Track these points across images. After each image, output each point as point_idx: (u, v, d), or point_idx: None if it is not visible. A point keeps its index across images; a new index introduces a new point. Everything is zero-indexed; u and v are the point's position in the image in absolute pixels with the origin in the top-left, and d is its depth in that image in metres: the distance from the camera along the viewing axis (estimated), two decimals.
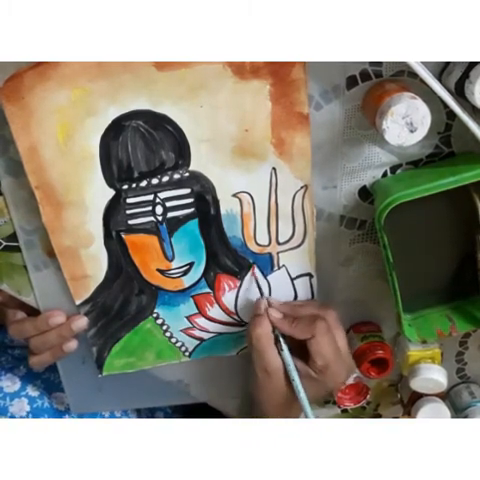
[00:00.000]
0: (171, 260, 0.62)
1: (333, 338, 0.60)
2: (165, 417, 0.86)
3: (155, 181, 0.58)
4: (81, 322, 0.64)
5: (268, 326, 0.60)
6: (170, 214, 0.59)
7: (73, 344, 0.64)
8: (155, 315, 0.65)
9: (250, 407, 0.65)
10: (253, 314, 0.62)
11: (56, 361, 0.67)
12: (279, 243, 0.62)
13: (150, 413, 0.85)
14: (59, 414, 0.72)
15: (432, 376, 0.66)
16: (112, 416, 0.77)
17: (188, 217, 0.60)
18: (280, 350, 0.60)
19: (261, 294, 0.64)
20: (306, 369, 0.60)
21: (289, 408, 0.62)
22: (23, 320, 0.65)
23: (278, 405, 0.62)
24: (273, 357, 0.60)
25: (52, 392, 0.73)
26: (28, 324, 0.64)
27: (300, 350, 0.60)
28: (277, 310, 0.62)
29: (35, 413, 0.70)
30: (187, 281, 0.63)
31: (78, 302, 0.64)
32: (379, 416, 0.80)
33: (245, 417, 0.68)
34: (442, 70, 0.54)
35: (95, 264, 0.61)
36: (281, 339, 0.60)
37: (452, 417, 0.72)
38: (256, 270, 0.64)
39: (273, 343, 0.60)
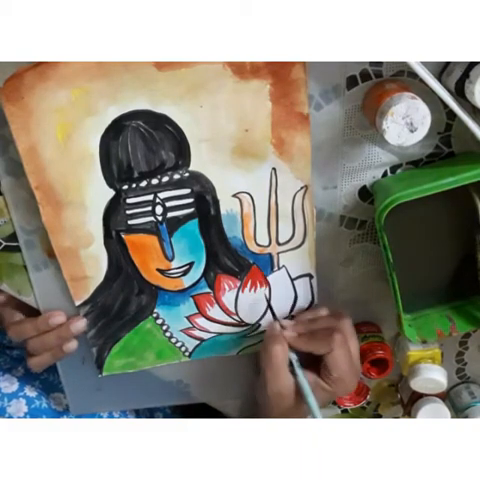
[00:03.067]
0: (171, 260, 0.62)
1: (349, 349, 0.60)
2: (165, 418, 0.86)
3: (155, 181, 0.58)
4: (80, 324, 0.64)
5: (284, 344, 0.60)
6: (170, 214, 0.59)
7: (73, 344, 0.64)
8: (155, 315, 0.65)
9: (254, 412, 0.65)
10: (267, 334, 0.62)
11: (56, 362, 0.67)
12: (279, 243, 0.62)
13: (149, 414, 0.85)
14: (57, 415, 0.72)
15: (432, 376, 0.66)
16: (110, 417, 0.77)
17: (188, 217, 0.60)
18: (294, 374, 0.59)
19: (274, 318, 0.64)
20: (319, 382, 0.59)
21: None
22: (23, 321, 0.65)
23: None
24: (287, 377, 0.59)
25: (50, 393, 0.73)
26: (28, 325, 0.64)
27: (309, 361, 0.60)
28: (291, 331, 0.61)
29: (33, 414, 0.70)
30: (187, 281, 0.63)
31: (78, 303, 0.64)
32: (379, 416, 0.80)
33: (245, 417, 0.68)
34: (442, 70, 0.54)
35: (95, 264, 0.61)
36: (294, 363, 0.60)
37: (452, 417, 0.72)
38: (266, 292, 0.64)
39: (287, 363, 0.60)
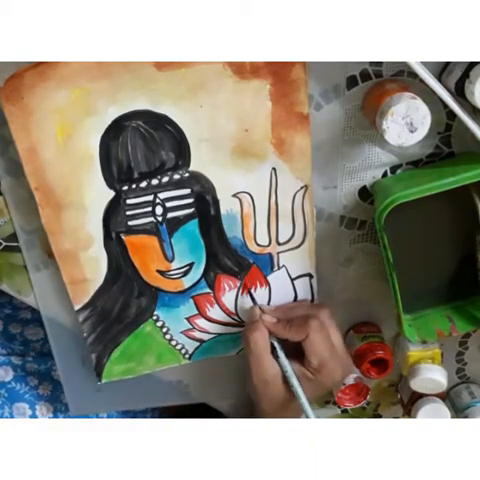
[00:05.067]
0: (171, 261, 0.62)
1: (327, 336, 0.60)
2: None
3: (155, 181, 0.58)
4: None
5: (264, 330, 0.60)
6: (170, 214, 0.59)
7: None
8: (155, 317, 0.65)
9: (251, 411, 0.65)
10: (248, 321, 0.63)
11: None
12: (279, 243, 0.62)
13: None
14: None
15: (432, 376, 0.66)
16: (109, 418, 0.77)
17: (188, 217, 0.60)
18: (276, 357, 0.60)
19: (254, 303, 0.64)
20: (302, 370, 0.60)
21: (289, 411, 0.61)
22: None
23: (278, 410, 0.61)
24: (270, 364, 0.60)
25: (15, 402, 0.72)
26: None
27: (295, 353, 0.60)
28: (270, 316, 0.62)
29: None
30: (187, 282, 0.63)
31: (77, 307, 0.63)
32: (379, 416, 0.80)
33: (244, 417, 0.68)
34: (442, 70, 0.54)
35: (94, 267, 0.61)
36: (276, 346, 0.60)
37: (452, 417, 0.72)
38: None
39: (270, 350, 0.60)
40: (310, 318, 0.59)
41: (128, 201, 0.58)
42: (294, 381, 0.59)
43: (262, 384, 0.60)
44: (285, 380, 0.60)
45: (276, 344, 0.60)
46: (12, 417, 0.71)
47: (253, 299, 0.64)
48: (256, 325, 0.61)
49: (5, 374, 0.74)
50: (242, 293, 0.65)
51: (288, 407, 0.61)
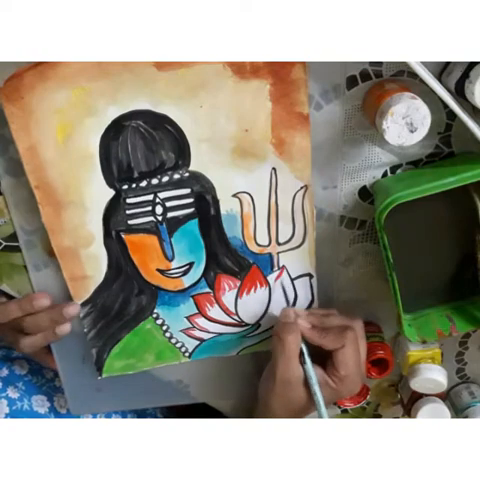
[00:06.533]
0: (171, 260, 0.62)
1: (358, 349, 0.60)
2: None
3: (155, 181, 0.58)
4: (73, 309, 0.63)
5: (299, 334, 0.60)
6: (170, 214, 0.59)
7: (66, 328, 0.63)
8: (155, 315, 0.65)
9: (253, 411, 0.65)
10: (282, 321, 0.62)
11: (48, 343, 0.66)
12: (279, 243, 0.62)
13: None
14: (39, 417, 0.71)
15: (432, 376, 0.66)
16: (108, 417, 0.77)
17: (188, 217, 0.60)
18: (303, 363, 0.60)
19: (287, 303, 0.64)
20: (325, 378, 0.59)
21: (300, 416, 0.62)
22: (7, 302, 0.64)
23: (290, 412, 0.61)
24: (297, 366, 0.60)
25: (33, 395, 0.73)
26: (13, 305, 0.63)
27: (317, 358, 0.60)
28: (305, 320, 0.61)
29: (14, 415, 0.69)
30: (187, 281, 0.63)
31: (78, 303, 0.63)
32: (379, 416, 0.80)
33: (244, 417, 0.68)
34: (442, 70, 0.54)
35: (95, 264, 0.61)
36: (305, 351, 0.60)
37: (452, 417, 0.72)
38: (283, 276, 0.64)
39: (298, 353, 0.60)
40: (348, 329, 0.59)
41: (128, 200, 0.58)
42: (317, 389, 0.58)
43: (284, 384, 0.60)
44: (306, 385, 0.60)
45: (305, 350, 0.60)
46: (32, 409, 0.71)
47: (286, 297, 0.64)
48: (292, 327, 0.60)
49: (21, 368, 0.75)
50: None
51: (300, 412, 0.61)
